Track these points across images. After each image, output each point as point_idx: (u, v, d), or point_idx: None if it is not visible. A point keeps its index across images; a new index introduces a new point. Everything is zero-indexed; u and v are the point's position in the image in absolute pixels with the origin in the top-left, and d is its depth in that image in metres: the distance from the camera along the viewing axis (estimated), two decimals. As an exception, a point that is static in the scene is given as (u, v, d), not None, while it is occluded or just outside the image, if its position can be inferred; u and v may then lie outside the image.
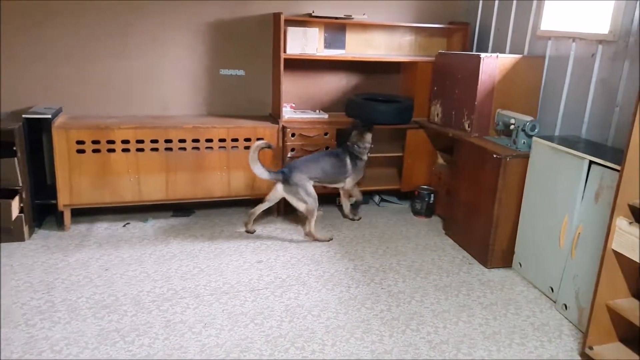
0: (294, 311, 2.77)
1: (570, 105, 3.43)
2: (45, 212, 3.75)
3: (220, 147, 3.74)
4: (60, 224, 3.67)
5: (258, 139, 3.75)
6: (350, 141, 3.82)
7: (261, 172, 3.50)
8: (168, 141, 3.62)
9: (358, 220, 4.06)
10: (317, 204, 3.63)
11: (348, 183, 3.89)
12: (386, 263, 3.38)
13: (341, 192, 4.02)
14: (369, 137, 3.82)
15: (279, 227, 3.85)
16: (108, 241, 3.50)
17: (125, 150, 3.55)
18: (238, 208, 4.14)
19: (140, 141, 3.57)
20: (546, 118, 3.57)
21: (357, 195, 4.06)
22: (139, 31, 3.83)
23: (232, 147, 3.76)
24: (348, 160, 3.79)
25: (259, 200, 4.06)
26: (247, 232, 3.73)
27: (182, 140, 3.65)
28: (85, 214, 3.83)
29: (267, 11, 4.02)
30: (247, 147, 3.76)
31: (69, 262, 3.17)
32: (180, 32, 3.92)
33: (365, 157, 3.86)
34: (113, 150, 3.53)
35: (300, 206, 3.60)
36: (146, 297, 2.84)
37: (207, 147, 3.72)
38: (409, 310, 2.84)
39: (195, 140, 3.68)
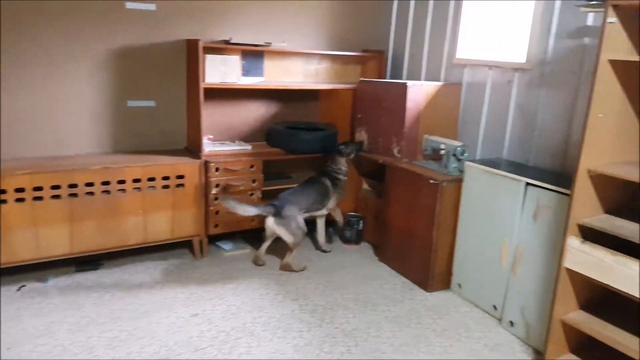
0: (251, 368, 2.51)
1: (490, 129, 3.60)
2: None
3: (134, 189, 3.34)
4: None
5: (178, 177, 3.46)
6: (327, 165, 3.87)
7: (246, 210, 3.40)
8: (72, 186, 3.14)
9: (329, 252, 3.95)
10: (305, 234, 3.62)
11: (331, 203, 3.82)
12: (331, 299, 3.23)
13: (319, 223, 3.92)
14: (340, 160, 3.82)
15: (205, 272, 3.52)
16: (4, 311, 2.92)
17: (19, 200, 3.02)
18: (152, 254, 3.72)
19: (39, 188, 3.05)
20: (466, 141, 3.70)
21: (339, 218, 3.97)
22: (28, 61, 3.30)
23: (149, 187, 3.38)
24: (329, 183, 3.77)
25: (182, 243, 3.74)
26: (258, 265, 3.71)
27: (89, 184, 3.19)
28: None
29: (178, 37, 3.72)
30: (165, 187, 3.43)
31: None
32: (79, 61, 3.45)
33: (342, 177, 3.84)
34: (4, 202, 2.97)
35: (289, 239, 3.50)
36: (71, 376, 2.39)
37: (119, 190, 3.30)
38: (369, 348, 2.72)
39: (106, 183, 3.24)
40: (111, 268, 3.52)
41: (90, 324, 2.84)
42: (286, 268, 3.57)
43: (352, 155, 3.88)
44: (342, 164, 3.85)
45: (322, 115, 4.49)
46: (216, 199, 3.60)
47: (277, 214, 3.48)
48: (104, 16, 3.47)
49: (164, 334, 2.77)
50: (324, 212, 3.86)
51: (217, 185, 3.59)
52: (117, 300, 3.11)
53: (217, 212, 3.64)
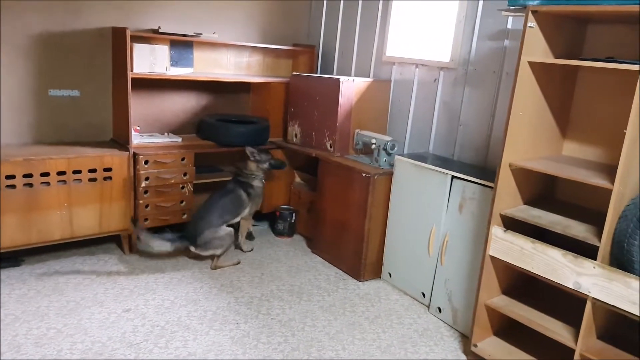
0: (189, 361, 2.50)
1: (417, 125, 3.77)
2: None
3: (59, 182, 3.17)
4: None
5: (105, 169, 3.33)
6: (239, 168, 3.74)
7: (161, 245, 3.34)
8: (-9, 178, 2.95)
9: (250, 251, 3.85)
10: (232, 237, 3.57)
11: (246, 212, 3.70)
12: (266, 291, 3.26)
13: (241, 223, 3.79)
14: (251, 165, 3.69)
15: (136, 267, 3.42)
16: None
17: None
18: (78, 249, 3.57)
19: (-47, 181, 2.84)
20: (395, 136, 3.86)
21: (245, 230, 3.86)
22: None
23: (74, 179, 3.23)
24: (241, 192, 3.63)
25: (110, 237, 3.62)
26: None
27: (10, 177, 3.00)
28: None
29: (104, 24, 3.56)
30: (92, 180, 3.29)
31: None
32: (-4, 46, 3.24)
33: (255, 182, 3.70)
34: None
35: (218, 252, 3.51)
36: (-4, 378, 2.27)
37: (42, 182, 3.12)
38: (306, 337, 2.78)
39: (28, 176, 3.06)
40: (34, 264, 3.34)
41: (16, 321, 2.70)
42: (218, 267, 3.53)
43: (265, 166, 3.74)
44: (254, 170, 3.72)
45: (254, 108, 4.48)
46: (146, 191, 3.51)
47: (195, 244, 3.44)
48: (24, -1, 3.27)
49: (95, 330, 2.68)
50: (239, 219, 3.76)
51: (147, 178, 3.49)
52: (42, 297, 2.96)
53: (147, 206, 3.54)
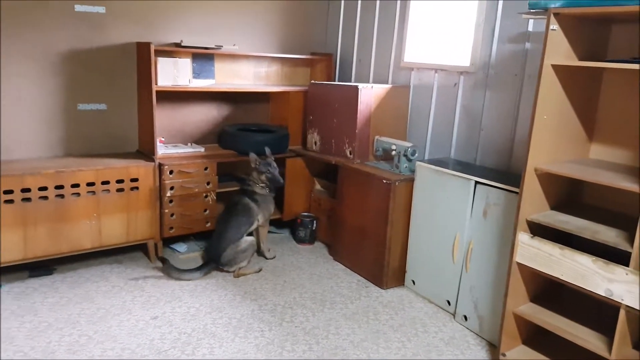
0: (216, 369, 2.52)
1: (437, 130, 3.76)
2: None
3: (88, 192, 3.25)
4: None
5: (132, 180, 3.39)
6: (244, 176, 3.79)
7: (192, 276, 3.44)
8: (25, 190, 3.03)
9: (272, 258, 3.86)
10: (254, 244, 3.66)
11: (261, 218, 3.72)
12: (289, 298, 3.28)
13: (259, 230, 3.81)
14: (253, 172, 3.67)
15: (162, 275, 3.46)
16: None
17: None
18: (106, 258, 3.64)
19: (-10, 193, 2.93)
20: (415, 141, 3.85)
21: (263, 238, 3.87)
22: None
23: (103, 190, 3.30)
24: (247, 200, 3.64)
25: (137, 246, 3.68)
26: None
27: (42, 188, 3.08)
28: None
29: (128, 40, 3.65)
30: (119, 190, 3.36)
31: None
32: (28, 64, 3.34)
33: (259, 190, 3.67)
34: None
35: (242, 264, 3.57)
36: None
37: (73, 193, 3.20)
38: (330, 345, 2.78)
39: (59, 187, 3.14)
40: (65, 273, 3.43)
41: (49, 329, 2.76)
42: (241, 275, 3.55)
43: (264, 177, 3.66)
44: (255, 178, 3.68)
45: (273, 117, 4.53)
46: (171, 201, 3.57)
47: (220, 264, 3.50)
48: (53, 19, 3.38)
49: (125, 337, 2.73)
50: (255, 226, 3.75)
51: (171, 188, 3.56)
52: (74, 304, 3.03)
53: (172, 215, 3.60)
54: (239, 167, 4.26)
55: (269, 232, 3.98)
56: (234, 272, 3.54)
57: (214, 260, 3.50)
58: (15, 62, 3.31)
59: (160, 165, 3.52)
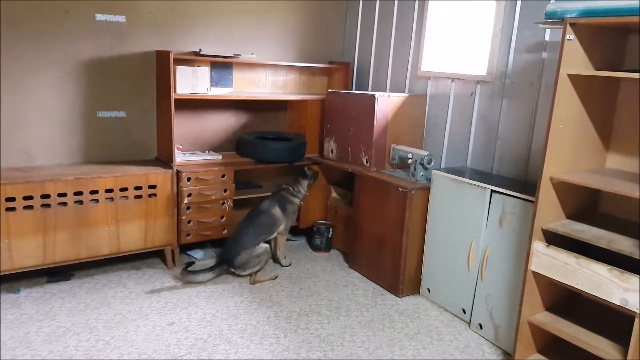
0: (231, 375, 2.54)
1: (453, 139, 3.76)
2: None
3: (107, 199, 3.32)
4: None
5: (150, 187, 3.45)
6: (287, 183, 3.89)
7: (206, 277, 3.45)
8: (45, 196, 3.10)
9: (289, 266, 3.89)
10: (269, 252, 3.66)
11: (282, 227, 3.78)
12: (305, 305, 3.29)
13: (277, 237, 3.85)
14: (303, 182, 3.87)
15: (179, 281, 3.50)
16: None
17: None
18: (123, 264, 3.70)
19: (11, 199, 2.99)
20: (431, 150, 3.85)
21: (281, 248, 3.91)
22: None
23: (121, 197, 3.36)
24: (277, 209, 3.70)
25: (154, 253, 3.74)
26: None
27: (62, 195, 3.15)
28: None
29: (147, 49, 3.72)
30: (137, 197, 3.42)
31: None
32: (49, 72, 3.42)
33: (296, 201, 3.83)
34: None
35: (256, 270, 3.58)
36: (49, 388, 2.37)
37: (92, 200, 3.27)
38: (345, 353, 2.79)
39: (78, 193, 3.21)
40: (83, 278, 3.48)
41: (67, 334, 2.81)
42: (257, 282, 3.58)
43: (312, 181, 3.98)
44: (304, 187, 3.91)
45: (290, 125, 4.56)
46: (188, 207, 3.62)
47: (233, 266, 3.52)
48: (74, 28, 3.46)
49: (142, 342, 2.77)
50: (275, 235, 3.81)
51: (189, 195, 3.61)
52: (92, 310, 3.08)
53: (189, 222, 3.64)
54: (256, 175, 4.31)
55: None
56: (246, 275, 3.57)
57: (227, 262, 3.53)
58: (37, 71, 3.39)
59: (178, 172, 3.58)
